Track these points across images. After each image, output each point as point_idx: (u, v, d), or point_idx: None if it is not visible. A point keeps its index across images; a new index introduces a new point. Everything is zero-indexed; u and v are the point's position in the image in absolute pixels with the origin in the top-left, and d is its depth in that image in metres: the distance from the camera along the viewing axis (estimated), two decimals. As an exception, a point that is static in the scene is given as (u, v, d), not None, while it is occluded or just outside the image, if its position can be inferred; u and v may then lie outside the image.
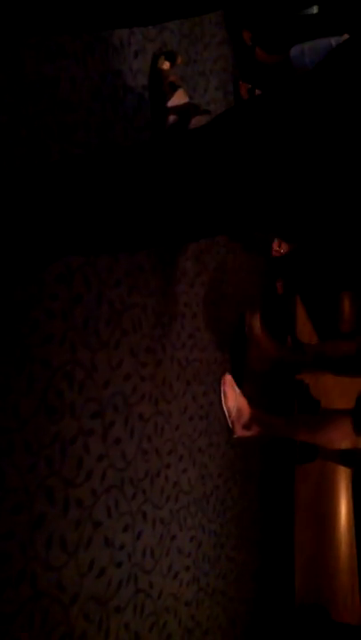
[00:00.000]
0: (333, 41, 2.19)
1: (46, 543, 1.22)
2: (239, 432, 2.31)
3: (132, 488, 1.53)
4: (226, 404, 2.25)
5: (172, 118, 1.86)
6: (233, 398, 2.27)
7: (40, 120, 1.25)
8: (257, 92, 2.46)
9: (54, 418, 1.26)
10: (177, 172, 0.96)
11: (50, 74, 1.28)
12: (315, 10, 2.46)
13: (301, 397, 3.05)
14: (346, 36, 1.99)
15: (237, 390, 2.27)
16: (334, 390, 3.43)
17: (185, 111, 1.90)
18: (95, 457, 1.39)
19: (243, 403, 2.27)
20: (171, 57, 1.89)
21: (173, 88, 1.86)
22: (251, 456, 2.40)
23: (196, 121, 1.88)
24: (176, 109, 1.87)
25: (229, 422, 2.28)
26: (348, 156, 0.87)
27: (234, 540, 2.16)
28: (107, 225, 1.02)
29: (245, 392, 2.35)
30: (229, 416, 2.27)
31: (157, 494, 1.66)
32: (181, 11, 1.01)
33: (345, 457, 2.99)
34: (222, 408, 2.17)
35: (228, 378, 2.25)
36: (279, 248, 2.70)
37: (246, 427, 2.29)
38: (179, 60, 1.92)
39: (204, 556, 1.93)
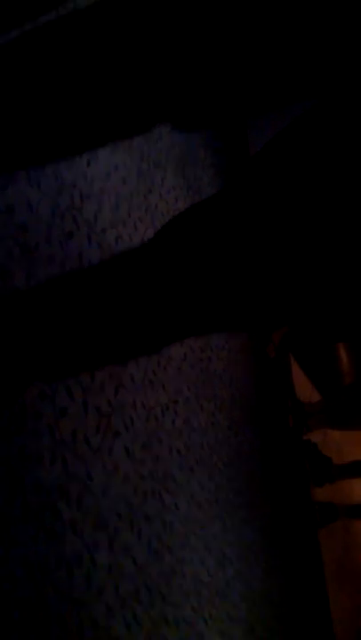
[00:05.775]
0: None
1: (65, 674, 1.18)
2: None
3: (149, 594, 1.49)
4: None
5: None
6: None
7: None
8: None
9: (55, 540, 1.23)
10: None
11: (4, 203, 1.31)
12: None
13: (312, 457, 3.01)
14: None
15: None
16: (345, 444, 3.38)
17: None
18: (105, 570, 1.36)
19: None
20: None
21: None
22: (269, 530, 2.35)
23: None
24: None
25: None
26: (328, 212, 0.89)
27: (265, 622, 2.08)
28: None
29: None
30: None
31: (176, 594, 1.61)
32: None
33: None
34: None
35: None
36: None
37: None
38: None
39: (237, 647, 1.86)
